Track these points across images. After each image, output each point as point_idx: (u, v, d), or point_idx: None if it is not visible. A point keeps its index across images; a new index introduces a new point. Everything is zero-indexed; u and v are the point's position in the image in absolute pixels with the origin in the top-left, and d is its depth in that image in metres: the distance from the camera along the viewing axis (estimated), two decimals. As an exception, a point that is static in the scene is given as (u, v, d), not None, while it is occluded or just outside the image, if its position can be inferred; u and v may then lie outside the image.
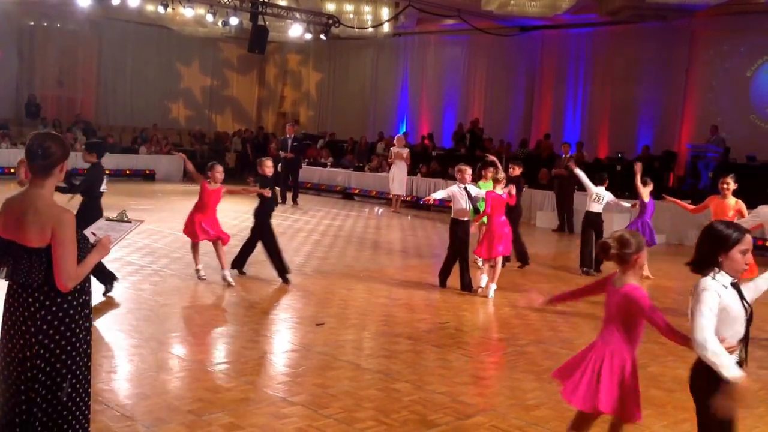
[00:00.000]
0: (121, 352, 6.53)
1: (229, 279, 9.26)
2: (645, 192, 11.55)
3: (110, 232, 4.06)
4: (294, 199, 19.34)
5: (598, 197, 11.46)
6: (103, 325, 7.27)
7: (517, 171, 11.71)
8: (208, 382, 5.87)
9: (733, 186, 9.15)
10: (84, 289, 3.75)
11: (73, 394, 3.73)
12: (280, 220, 15.15)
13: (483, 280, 9.78)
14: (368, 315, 8.35)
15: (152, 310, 7.94)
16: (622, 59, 21.52)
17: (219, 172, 9.47)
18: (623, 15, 19.17)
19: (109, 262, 10.03)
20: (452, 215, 9.93)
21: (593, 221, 11.52)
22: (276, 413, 5.24)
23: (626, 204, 12.22)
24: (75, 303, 3.70)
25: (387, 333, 7.61)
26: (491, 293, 9.52)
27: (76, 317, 3.71)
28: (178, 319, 7.73)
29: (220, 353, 6.81)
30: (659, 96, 20.90)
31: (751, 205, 9.60)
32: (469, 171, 9.94)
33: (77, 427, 3.77)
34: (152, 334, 7.06)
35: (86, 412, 3.83)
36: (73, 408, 3.74)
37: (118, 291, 8.59)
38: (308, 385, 5.93)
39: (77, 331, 3.71)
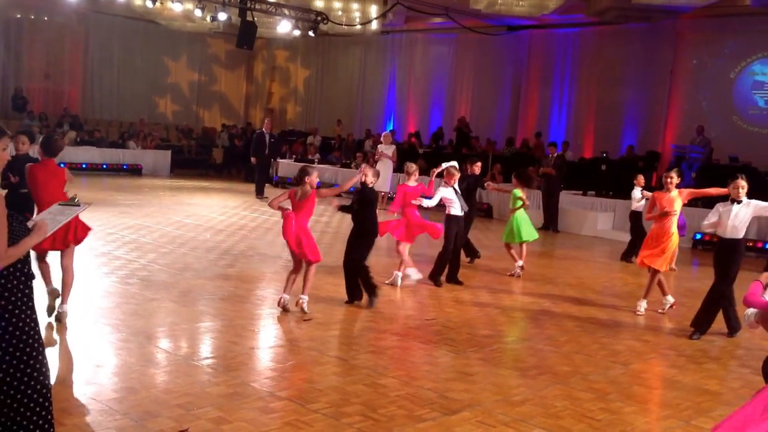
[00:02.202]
0: (109, 347, 6.54)
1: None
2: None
3: (59, 216, 4.13)
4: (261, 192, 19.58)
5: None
6: (90, 319, 7.29)
7: (475, 169, 11.87)
8: (195, 376, 5.90)
9: (676, 180, 9.28)
10: (22, 270, 3.74)
11: (28, 369, 3.69)
12: (268, 215, 15.18)
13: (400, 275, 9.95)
14: (355, 311, 8.41)
15: (140, 305, 7.96)
16: (608, 60, 21.71)
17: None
18: (609, 16, 19.31)
19: (97, 257, 10.09)
20: (447, 212, 10.20)
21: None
22: (264, 408, 5.29)
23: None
24: (9, 285, 3.68)
25: (374, 329, 7.67)
26: (400, 281, 9.90)
27: (12, 298, 3.69)
28: (165, 314, 7.74)
29: (207, 348, 6.84)
30: (644, 96, 21.09)
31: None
32: (457, 174, 10.18)
33: (33, 405, 3.72)
34: (140, 329, 7.07)
35: (44, 390, 3.78)
36: (31, 383, 3.70)
37: (105, 285, 8.62)
38: (295, 380, 5.99)
39: (17, 311, 3.70)
